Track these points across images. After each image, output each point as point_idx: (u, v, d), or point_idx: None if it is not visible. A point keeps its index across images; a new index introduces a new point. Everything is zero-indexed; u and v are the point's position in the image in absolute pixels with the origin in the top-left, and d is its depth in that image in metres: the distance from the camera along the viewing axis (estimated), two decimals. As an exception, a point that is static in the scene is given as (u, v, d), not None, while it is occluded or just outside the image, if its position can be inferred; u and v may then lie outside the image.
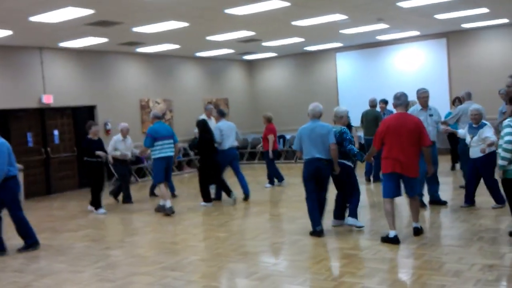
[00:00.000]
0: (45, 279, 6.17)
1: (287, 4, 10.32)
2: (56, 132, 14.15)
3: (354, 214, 7.47)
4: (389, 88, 16.30)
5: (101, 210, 10.38)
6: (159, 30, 12.03)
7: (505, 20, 14.70)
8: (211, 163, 10.31)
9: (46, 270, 6.59)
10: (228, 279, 5.80)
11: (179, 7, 10.08)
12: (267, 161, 12.48)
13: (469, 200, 8.40)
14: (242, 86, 20.03)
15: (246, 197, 10.64)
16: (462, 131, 8.63)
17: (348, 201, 7.56)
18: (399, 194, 6.74)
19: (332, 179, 7.53)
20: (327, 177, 7.33)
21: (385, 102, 12.43)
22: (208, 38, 13.88)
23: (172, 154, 10.03)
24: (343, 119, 7.55)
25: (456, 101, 11.98)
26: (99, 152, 10.31)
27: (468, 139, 8.20)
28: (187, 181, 14.80)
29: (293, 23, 12.56)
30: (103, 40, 12.94)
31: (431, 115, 8.43)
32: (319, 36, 15.19)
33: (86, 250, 7.48)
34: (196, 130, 11.27)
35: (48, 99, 13.58)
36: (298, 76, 19.33)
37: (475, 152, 8.05)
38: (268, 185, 12.43)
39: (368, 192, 10.90)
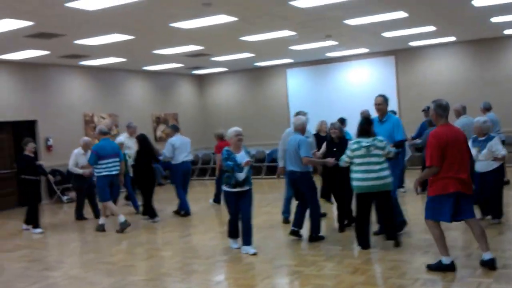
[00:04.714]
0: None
1: (234, 19, 10.22)
2: (-6, 148, 13.53)
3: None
4: (339, 104, 16.52)
5: (38, 230, 9.93)
6: (103, 43, 11.70)
7: (452, 38, 15.06)
8: (150, 179, 10.40)
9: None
10: (168, 300, 5.54)
11: (122, 20, 9.81)
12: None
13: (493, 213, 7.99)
14: (192, 101, 19.79)
15: (186, 213, 10.67)
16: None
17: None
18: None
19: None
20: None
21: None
22: (155, 51, 13.62)
23: (117, 172, 9.81)
24: (228, 139, 7.85)
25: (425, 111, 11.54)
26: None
27: (473, 152, 7.38)
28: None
29: (242, 38, 12.46)
30: (44, 52, 12.50)
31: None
32: (269, 52, 15.17)
33: (24, 271, 7.17)
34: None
35: (-14, 113, 13.01)
36: (249, 92, 19.26)
37: (483, 166, 7.67)
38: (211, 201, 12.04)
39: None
